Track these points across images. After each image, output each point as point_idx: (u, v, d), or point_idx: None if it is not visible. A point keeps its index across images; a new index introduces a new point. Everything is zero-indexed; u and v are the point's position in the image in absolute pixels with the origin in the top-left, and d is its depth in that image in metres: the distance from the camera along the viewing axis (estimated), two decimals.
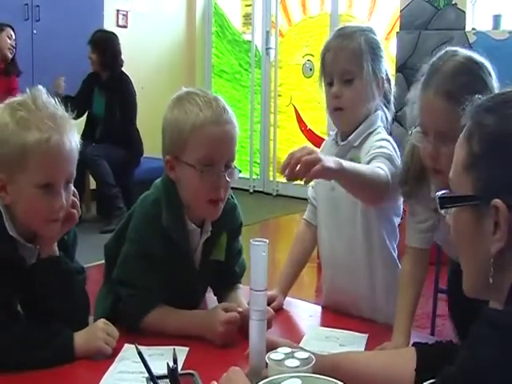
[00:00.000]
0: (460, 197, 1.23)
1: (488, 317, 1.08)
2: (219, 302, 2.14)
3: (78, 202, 1.86)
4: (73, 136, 1.77)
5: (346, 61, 2.21)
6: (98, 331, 1.83)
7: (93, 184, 6.77)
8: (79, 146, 1.80)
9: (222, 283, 2.18)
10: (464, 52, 1.92)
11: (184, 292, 2.05)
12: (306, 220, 2.46)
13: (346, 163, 1.91)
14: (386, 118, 2.31)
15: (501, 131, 1.18)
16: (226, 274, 2.16)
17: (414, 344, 1.61)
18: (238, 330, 1.90)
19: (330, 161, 1.83)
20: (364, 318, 2.17)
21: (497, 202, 1.14)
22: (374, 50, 2.23)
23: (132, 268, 1.99)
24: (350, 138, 2.24)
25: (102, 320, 1.88)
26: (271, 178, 8.53)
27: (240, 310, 1.92)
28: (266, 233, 6.91)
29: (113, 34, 6.86)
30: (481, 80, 1.84)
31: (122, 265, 2.02)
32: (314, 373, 1.41)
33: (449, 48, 1.95)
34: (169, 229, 1.96)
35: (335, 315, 2.20)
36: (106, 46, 6.62)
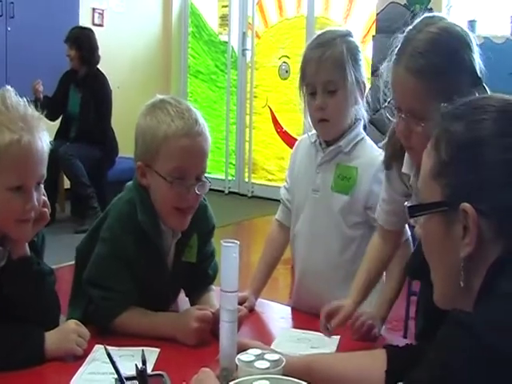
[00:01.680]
0: (428, 204, 1.23)
1: (456, 318, 1.08)
2: (191, 304, 2.14)
3: (47, 201, 1.84)
4: (44, 136, 1.74)
5: (329, 72, 2.19)
6: (69, 332, 1.81)
7: (67, 184, 6.73)
8: (51, 145, 1.78)
9: (195, 285, 2.17)
10: (441, 21, 1.78)
11: (156, 294, 2.03)
12: (278, 221, 2.47)
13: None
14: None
15: (469, 137, 1.19)
16: (199, 276, 2.15)
17: (385, 346, 1.61)
18: (209, 331, 1.89)
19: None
20: None
21: (465, 206, 1.15)
22: (355, 57, 2.22)
23: (104, 269, 1.97)
24: (340, 143, 2.25)
25: (74, 321, 1.86)
26: (246, 180, 8.52)
27: (213, 310, 1.92)
28: (241, 234, 6.90)
29: (89, 29, 6.87)
30: (457, 55, 1.72)
31: (93, 266, 1.99)
32: (285, 374, 1.41)
33: (426, 14, 1.82)
34: (144, 224, 1.94)
35: (307, 317, 2.19)
36: (84, 41, 6.61)
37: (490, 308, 1.07)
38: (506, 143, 1.16)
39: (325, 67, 2.18)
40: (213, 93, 8.98)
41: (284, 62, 8.27)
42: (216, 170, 8.85)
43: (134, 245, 1.96)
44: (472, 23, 6.47)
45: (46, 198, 1.82)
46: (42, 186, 1.79)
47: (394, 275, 2.14)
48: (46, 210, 1.82)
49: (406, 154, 1.90)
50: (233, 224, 6.96)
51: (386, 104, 1.87)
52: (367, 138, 2.30)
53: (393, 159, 2.01)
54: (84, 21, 7.59)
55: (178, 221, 1.98)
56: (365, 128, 2.34)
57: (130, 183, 2.06)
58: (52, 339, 1.79)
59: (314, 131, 2.33)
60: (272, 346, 1.84)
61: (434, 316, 1.31)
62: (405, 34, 1.80)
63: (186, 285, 2.17)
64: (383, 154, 2.04)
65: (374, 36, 6.98)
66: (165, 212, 1.96)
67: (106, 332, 1.92)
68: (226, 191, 8.52)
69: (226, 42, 8.72)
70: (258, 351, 1.51)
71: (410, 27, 1.81)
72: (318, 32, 2.32)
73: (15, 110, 1.71)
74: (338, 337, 1.98)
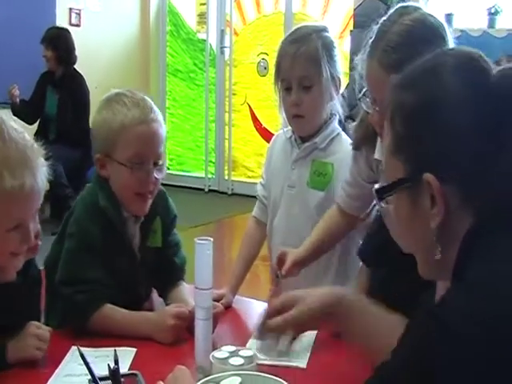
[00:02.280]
0: (393, 183, 1.20)
1: (425, 309, 1.06)
2: (165, 301, 2.14)
3: (40, 230, 1.79)
4: (43, 173, 1.64)
5: (304, 67, 2.19)
6: (27, 338, 1.76)
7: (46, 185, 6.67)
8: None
9: (165, 276, 2.17)
10: (416, 11, 1.78)
11: (128, 285, 2.04)
12: (254, 217, 2.46)
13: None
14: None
15: (420, 105, 1.15)
16: (167, 265, 2.16)
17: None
18: (186, 329, 1.88)
19: None
20: None
21: (428, 176, 1.12)
22: (330, 52, 2.22)
23: (76, 263, 1.98)
24: (315, 139, 2.25)
25: (33, 323, 1.81)
26: (226, 177, 8.49)
27: (189, 308, 1.91)
28: (222, 232, 6.90)
29: (66, 30, 6.83)
30: (430, 48, 1.62)
31: (64, 263, 1.99)
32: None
33: (400, 4, 1.81)
34: (107, 210, 2.00)
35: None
36: (60, 41, 6.58)
37: (458, 297, 1.04)
38: (458, 104, 1.12)
39: (300, 62, 2.19)
40: (191, 91, 8.96)
41: (262, 59, 8.26)
42: (196, 169, 8.86)
43: (102, 234, 1.99)
44: (449, 16, 6.49)
45: (39, 227, 1.76)
46: (37, 217, 1.72)
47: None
48: (38, 241, 1.76)
49: (379, 140, 1.89)
50: (213, 222, 6.96)
51: (361, 95, 1.87)
52: (343, 133, 2.30)
53: (363, 141, 2.02)
54: (61, 21, 7.55)
55: (139, 205, 2.04)
56: (340, 123, 2.34)
57: (89, 184, 2.11)
58: (12, 349, 1.75)
59: (289, 127, 2.32)
60: (248, 343, 1.84)
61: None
62: (379, 25, 1.80)
63: (156, 276, 2.16)
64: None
65: (351, 31, 6.98)
66: (126, 198, 2.02)
67: (83, 333, 1.91)
68: (206, 189, 8.48)
69: (205, 40, 8.69)
70: (233, 348, 1.51)
71: (384, 18, 1.81)
72: (294, 27, 2.32)
73: (14, 148, 1.57)
74: (315, 332, 1.97)
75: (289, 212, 2.31)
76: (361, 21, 6.94)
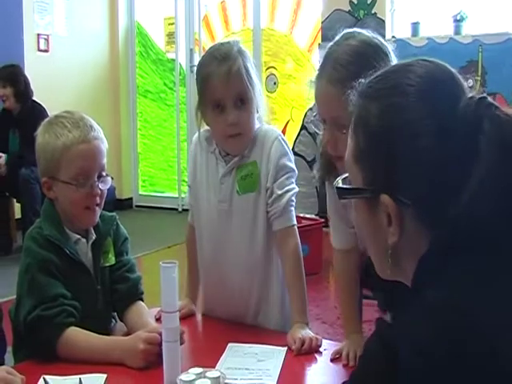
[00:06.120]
0: (353, 189, 1.20)
1: (380, 334, 1.06)
2: (125, 324, 2.13)
3: None
4: None
5: (239, 85, 2.13)
6: None
7: (18, 214, 6.60)
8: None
9: (121, 294, 2.15)
10: (360, 34, 1.88)
11: (89, 305, 2.03)
12: (191, 224, 2.42)
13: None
14: None
15: (383, 125, 1.13)
16: (121, 282, 2.16)
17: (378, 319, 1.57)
18: (157, 354, 1.85)
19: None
20: (281, 332, 2.13)
21: (384, 197, 1.11)
22: (250, 63, 2.19)
23: (36, 287, 1.96)
24: (244, 152, 2.21)
25: (4, 368, 1.75)
26: None
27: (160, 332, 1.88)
28: None
29: (17, 65, 6.69)
30: (376, 65, 1.68)
31: (26, 294, 1.96)
32: None
33: (346, 30, 1.91)
34: (51, 236, 2.02)
35: (252, 329, 2.17)
36: (18, 77, 6.46)
37: (411, 320, 1.02)
38: (418, 131, 1.09)
39: (234, 81, 2.12)
40: (162, 111, 8.95)
41: None
42: (169, 189, 8.83)
43: (54, 257, 2.00)
44: (415, 25, 6.56)
45: None
46: None
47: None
48: None
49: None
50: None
51: (312, 118, 1.91)
52: (264, 126, 2.26)
53: (327, 175, 2.04)
54: (29, 47, 7.51)
55: (88, 218, 2.09)
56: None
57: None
58: None
59: (200, 134, 2.28)
60: (218, 364, 1.81)
61: None
62: (326, 49, 1.90)
63: (114, 295, 2.16)
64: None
65: (319, 44, 7.02)
66: (76, 214, 2.07)
67: (52, 360, 1.87)
68: (180, 209, 8.40)
69: (174, 60, 8.69)
70: (200, 370, 1.49)
71: (331, 43, 1.90)
72: (210, 48, 2.25)
73: None
74: (285, 348, 1.95)
75: (223, 226, 2.26)
76: (329, 34, 6.98)
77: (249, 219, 2.22)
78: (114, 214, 2.23)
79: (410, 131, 1.10)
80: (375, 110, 1.14)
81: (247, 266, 2.24)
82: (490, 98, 1.10)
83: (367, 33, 1.89)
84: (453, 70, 1.16)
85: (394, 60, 1.83)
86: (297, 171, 2.25)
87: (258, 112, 2.21)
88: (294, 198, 2.21)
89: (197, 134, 2.30)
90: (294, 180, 2.22)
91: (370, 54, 1.80)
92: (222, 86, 2.12)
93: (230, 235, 2.24)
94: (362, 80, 1.22)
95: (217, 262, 2.28)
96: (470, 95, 1.11)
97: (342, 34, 1.90)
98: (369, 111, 1.15)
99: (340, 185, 1.24)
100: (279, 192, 2.17)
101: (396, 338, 1.00)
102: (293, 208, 2.20)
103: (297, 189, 2.22)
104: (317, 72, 1.88)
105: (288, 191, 2.19)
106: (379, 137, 1.13)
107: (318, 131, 1.92)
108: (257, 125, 2.22)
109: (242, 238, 2.23)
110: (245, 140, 2.19)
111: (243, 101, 2.14)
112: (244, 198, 2.21)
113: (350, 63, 1.80)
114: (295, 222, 2.22)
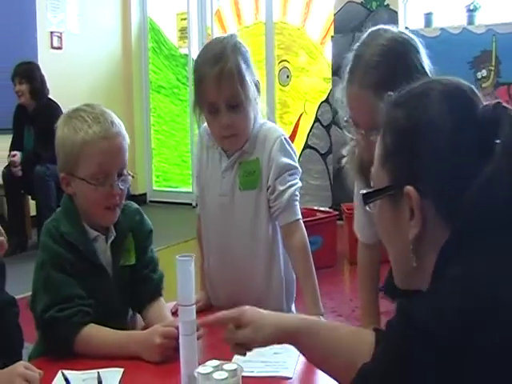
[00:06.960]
0: (377, 190, 1.27)
1: (399, 306, 1.10)
2: (143, 318, 2.12)
3: (2, 230, 1.78)
4: None
5: (230, 88, 2.11)
6: (14, 377, 1.64)
7: (33, 211, 6.65)
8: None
9: (141, 293, 2.13)
10: (387, 32, 1.87)
11: (104, 304, 1.99)
12: (199, 214, 2.42)
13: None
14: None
15: (409, 123, 1.22)
16: (143, 282, 2.12)
17: (375, 329, 1.57)
18: (174, 348, 1.83)
19: None
20: None
21: (408, 189, 1.18)
22: (247, 61, 2.17)
23: (52, 287, 1.92)
24: (244, 147, 2.22)
25: (22, 363, 1.71)
26: None
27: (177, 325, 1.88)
28: None
29: (34, 62, 6.73)
30: (407, 60, 1.79)
31: (42, 292, 1.93)
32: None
33: (371, 29, 1.90)
34: (67, 234, 1.97)
35: None
36: (34, 74, 6.48)
37: (432, 295, 1.10)
38: (442, 130, 1.18)
39: (226, 84, 2.10)
40: (175, 106, 8.96)
41: None
42: (183, 184, 8.84)
43: (69, 255, 1.96)
44: (429, 16, 6.53)
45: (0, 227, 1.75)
46: None
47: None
48: (1, 238, 1.75)
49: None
50: None
51: (344, 123, 1.91)
52: (267, 124, 2.27)
53: (358, 173, 2.02)
54: (42, 45, 7.55)
55: (108, 217, 2.03)
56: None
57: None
58: None
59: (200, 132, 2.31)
60: (235, 356, 1.80)
61: None
62: (354, 51, 1.87)
63: (132, 294, 2.12)
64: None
65: (332, 36, 7.00)
66: (95, 213, 2.01)
67: (70, 356, 1.86)
68: (194, 204, 8.34)
69: (187, 55, 8.71)
70: (217, 362, 1.49)
71: (358, 44, 1.88)
72: (207, 44, 2.25)
73: None
74: None
75: (225, 219, 2.27)
76: (341, 25, 6.97)
77: (250, 212, 2.23)
78: (137, 207, 2.18)
79: (434, 126, 1.18)
80: (402, 114, 1.24)
81: (250, 257, 2.26)
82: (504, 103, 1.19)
83: (393, 29, 1.88)
84: (471, 85, 1.25)
85: (423, 52, 1.83)
86: (300, 170, 2.25)
87: (256, 105, 2.20)
88: (297, 193, 2.21)
89: (202, 127, 2.32)
90: (297, 176, 2.22)
91: (399, 50, 1.81)
92: (214, 89, 2.11)
93: (232, 227, 2.26)
94: (388, 93, 1.31)
95: (221, 251, 2.30)
96: (486, 103, 1.21)
97: (367, 33, 1.88)
98: (396, 116, 1.25)
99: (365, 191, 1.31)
100: (281, 188, 2.18)
101: (417, 310, 1.05)
102: (297, 203, 2.21)
103: (300, 184, 2.22)
104: (346, 76, 1.86)
105: (291, 186, 2.19)
106: (405, 135, 1.22)
107: (351, 135, 1.91)
108: (260, 120, 2.23)
109: (244, 230, 2.25)
110: (240, 140, 2.20)
111: (236, 103, 2.12)
112: (245, 193, 2.23)
113: (381, 63, 1.79)
114: (300, 216, 2.22)
